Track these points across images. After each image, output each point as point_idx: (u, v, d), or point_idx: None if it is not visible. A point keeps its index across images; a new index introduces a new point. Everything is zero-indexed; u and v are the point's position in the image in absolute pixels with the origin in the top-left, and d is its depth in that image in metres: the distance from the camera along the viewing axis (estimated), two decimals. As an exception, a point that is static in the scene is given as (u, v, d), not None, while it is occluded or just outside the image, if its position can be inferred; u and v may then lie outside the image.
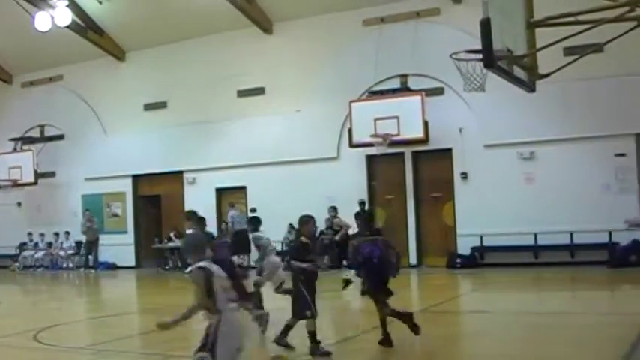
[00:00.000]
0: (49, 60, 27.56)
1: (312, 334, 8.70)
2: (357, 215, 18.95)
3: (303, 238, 9.16)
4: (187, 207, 24.47)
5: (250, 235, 12.18)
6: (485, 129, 20.33)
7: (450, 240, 21.16)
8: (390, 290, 9.03)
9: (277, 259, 11.74)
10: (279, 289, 11.27)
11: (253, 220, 12.43)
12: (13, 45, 27.35)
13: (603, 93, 18.93)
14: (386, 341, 8.89)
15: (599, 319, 10.80)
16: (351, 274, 9.97)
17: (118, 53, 26.69)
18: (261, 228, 11.93)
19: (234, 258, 15.45)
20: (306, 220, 9.22)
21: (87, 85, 27.31)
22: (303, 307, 8.57)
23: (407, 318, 9.10)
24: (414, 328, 9.02)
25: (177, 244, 24.30)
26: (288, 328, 8.94)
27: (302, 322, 8.88)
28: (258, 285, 11.21)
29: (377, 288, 8.98)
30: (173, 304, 15.62)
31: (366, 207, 20.74)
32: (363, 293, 9.29)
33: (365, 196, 21.66)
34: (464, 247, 20.67)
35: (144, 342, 11.29)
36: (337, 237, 21.56)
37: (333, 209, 21.74)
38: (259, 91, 23.85)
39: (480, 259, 20.62)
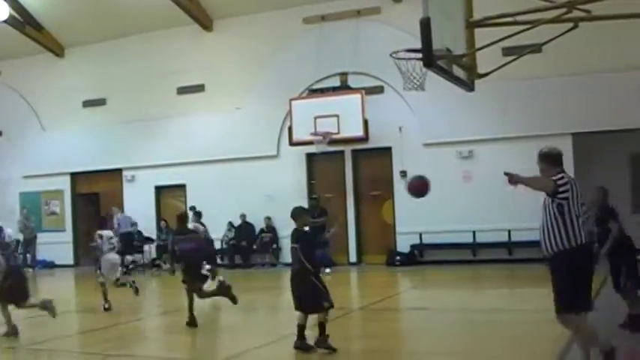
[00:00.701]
0: (-14, 56, 26.19)
1: (302, 328, 8.40)
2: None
3: (305, 228, 8.69)
4: (126, 205, 23.71)
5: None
6: (425, 128, 19.78)
7: (389, 238, 20.53)
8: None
9: (116, 256, 13.62)
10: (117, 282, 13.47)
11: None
12: (-51, 40, 25.92)
13: (541, 93, 18.51)
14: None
15: (536, 316, 10.33)
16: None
17: (56, 49, 25.41)
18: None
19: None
20: (299, 213, 8.67)
21: (25, 81, 25.90)
22: (320, 298, 8.05)
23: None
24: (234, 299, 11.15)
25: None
26: (321, 326, 8.28)
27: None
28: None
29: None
30: (112, 301, 14.79)
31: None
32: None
33: (304, 195, 20.93)
34: (403, 245, 20.12)
35: (83, 341, 10.98)
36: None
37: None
38: (199, 88, 22.85)
39: (419, 256, 20.08)
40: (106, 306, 13.05)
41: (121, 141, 23.79)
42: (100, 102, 24.58)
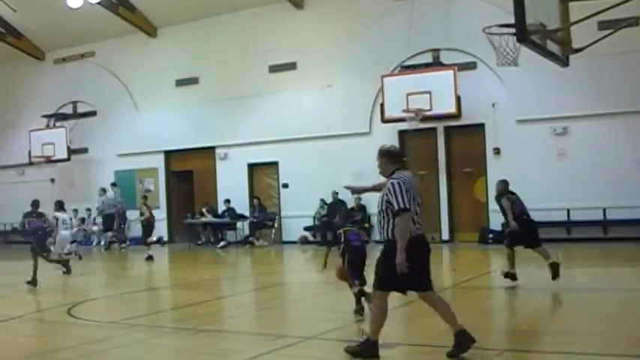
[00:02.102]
0: (81, 36, 28.43)
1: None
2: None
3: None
4: (219, 182, 25.45)
5: None
6: (518, 104, 20.68)
7: (481, 215, 21.60)
8: None
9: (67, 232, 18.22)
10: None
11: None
12: (45, 22, 28.23)
13: (637, 67, 19.15)
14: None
15: (634, 296, 10.97)
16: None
17: (149, 29, 27.37)
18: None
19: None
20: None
21: (118, 61, 28.09)
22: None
23: None
24: None
25: (210, 219, 25.09)
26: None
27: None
28: None
29: None
30: (204, 279, 16.39)
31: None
32: None
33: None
34: (496, 222, 20.91)
35: (176, 317, 11.61)
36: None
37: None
38: (291, 66, 24.38)
39: (511, 234, 20.91)
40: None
41: (213, 119, 25.55)
42: (193, 81, 26.32)
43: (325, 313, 11.20)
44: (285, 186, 24.21)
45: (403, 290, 7.70)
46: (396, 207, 7.32)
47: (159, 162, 27.41)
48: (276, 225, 24.49)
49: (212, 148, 25.95)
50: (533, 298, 11.90)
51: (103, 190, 27.10)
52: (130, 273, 20.09)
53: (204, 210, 25.48)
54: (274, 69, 24.62)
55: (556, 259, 12.12)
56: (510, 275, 12.46)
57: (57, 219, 17.86)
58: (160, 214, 27.13)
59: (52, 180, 30.18)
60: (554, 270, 11.94)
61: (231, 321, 11.31)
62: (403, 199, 7.30)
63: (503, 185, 12.91)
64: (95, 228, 28.53)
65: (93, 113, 28.96)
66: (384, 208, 7.49)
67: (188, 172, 27.15)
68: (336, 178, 21.94)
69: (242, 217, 24.84)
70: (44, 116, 29.37)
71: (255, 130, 24.72)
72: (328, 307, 11.86)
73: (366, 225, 22.47)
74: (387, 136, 22.18)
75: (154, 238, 22.95)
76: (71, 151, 28.46)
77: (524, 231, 12.46)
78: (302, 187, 22.65)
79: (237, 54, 25.18)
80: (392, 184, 7.44)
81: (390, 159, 7.79)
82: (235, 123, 25.11)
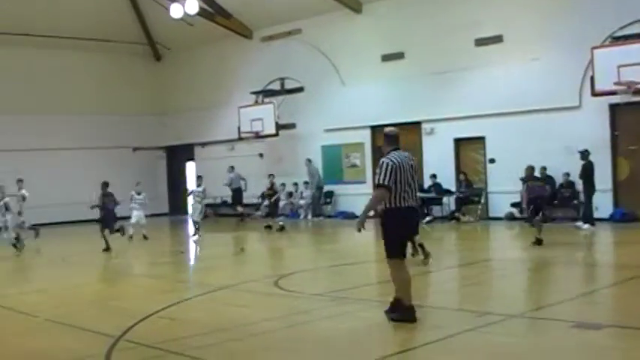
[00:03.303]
0: (287, 14, 31.22)
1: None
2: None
3: None
4: (425, 157, 26.98)
5: None
6: None
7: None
8: None
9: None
10: None
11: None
12: (252, 1, 31.24)
13: None
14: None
15: None
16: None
17: (354, 5, 29.54)
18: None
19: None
20: None
21: (324, 37, 30.41)
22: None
23: None
24: None
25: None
26: None
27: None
28: None
29: None
30: (410, 254, 17.75)
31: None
32: None
33: (608, 146, 22.73)
34: None
35: (381, 290, 12.09)
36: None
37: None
38: (497, 39, 25.50)
39: None
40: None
41: (419, 94, 27.36)
42: (398, 56, 28.13)
43: (529, 292, 12.10)
44: (492, 161, 25.43)
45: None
46: (376, 182, 9.39)
47: (365, 137, 29.51)
48: (482, 200, 25.82)
49: (418, 123, 27.63)
50: None
51: (309, 161, 29.97)
52: (335, 246, 21.93)
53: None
54: (480, 42, 25.82)
55: None
56: None
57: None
58: (367, 189, 29.10)
59: (261, 155, 33.05)
60: None
61: (434, 296, 12.12)
62: (384, 177, 9.26)
63: None
64: (302, 202, 30.95)
65: (300, 89, 31.48)
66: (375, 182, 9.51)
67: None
68: (544, 154, 22.83)
69: (448, 192, 26.43)
70: (253, 93, 32.29)
71: (461, 104, 26.15)
72: (534, 285, 12.79)
73: (574, 202, 23.25)
74: (598, 110, 23.05)
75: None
76: (279, 127, 31.14)
77: None
78: (509, 162, 23.71)
79: (442, 28, 26.64)
80: (381, 163, 9.52)
81: (387, 141, 9.98)
82: (441, 98, 26.68)
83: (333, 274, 15.08)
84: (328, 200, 30.49)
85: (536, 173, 24.15)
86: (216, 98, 34.91)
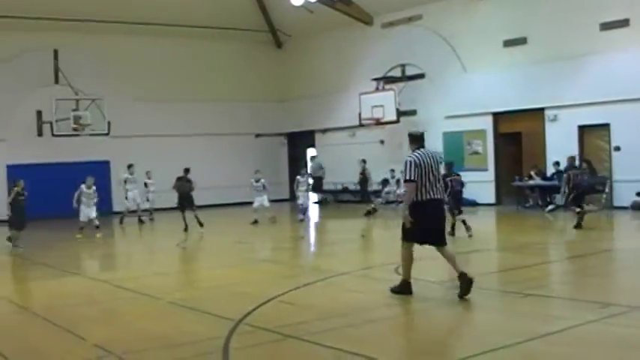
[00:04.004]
0: (408, 0, 31.74)
1: None
2: None
3: None
4: (548, 144, 27.05)
5: None
6: None
7: None
8: None
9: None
10: None
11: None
12: (374, -14, 31.67)
13: None
14: None
15: None
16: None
17: (474, -11, 29.63)
18: None
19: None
20: None
21: (445, 23, 30.90)
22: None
23: None
24: None
25: (538, 182, 26.93)
26: None
27: None
28: None
29: None
30: (531, 243, 18.06)
31: None
32: None
33: None
34: None
35: (502, 280, 12.71)
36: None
37: None
38: (623, 23, 25.30)
39: None
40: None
41: (542, 80, 27.52)
42: (521, 41, 28.34)
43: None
44: (617, 149, 25.35)
45: (420, 242, 11.00)
46: (403, 178, 10.88)
47: (487, 124, 29.87)
48: (606, 189, 25.76)
49: (541, 110, 27.76)
50: None
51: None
52: (458, 234, 22.15)
53: (532, 172, 27.39)
54: (605, 26, 25.68)
55: None
56: None
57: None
58: (488, 177, 29.51)
59: (382, 142, 33.77)
60: None
61: (556, 287, 12.39)
62: (410, 173, 10.60)
63: None
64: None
65: (421, 76, 32.04)
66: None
67: (516, 134, 29.17)
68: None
69: (571, 179, 26.36)
70: (374, 79, 32.97)
71: (585, 90, 26.12)
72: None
73: None
74: None
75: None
76: (400, 113, 31.69)
77: None
78: (635, 149, 23.63)
79: (566, 12, 26.64)
80: (405, 161, 10.81)
81: (411, 140, 11.16)
82: (565, 83, 26.74)
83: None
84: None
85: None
86: (336, 85, 35.86)
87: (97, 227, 23.75)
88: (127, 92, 34.49)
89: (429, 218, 10.78)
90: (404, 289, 11.00)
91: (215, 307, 10.88)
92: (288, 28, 38.78)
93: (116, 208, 29.18)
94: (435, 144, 30.86)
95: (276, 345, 8.71)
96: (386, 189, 32.83)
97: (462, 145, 30.73)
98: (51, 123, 30.99)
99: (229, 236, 23.10)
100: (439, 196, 10.83)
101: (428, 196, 10.63)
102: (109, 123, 31.52)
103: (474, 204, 29.45)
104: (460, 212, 19.62)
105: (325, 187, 35.52)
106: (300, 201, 26.88)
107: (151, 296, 12.28)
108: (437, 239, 10.95)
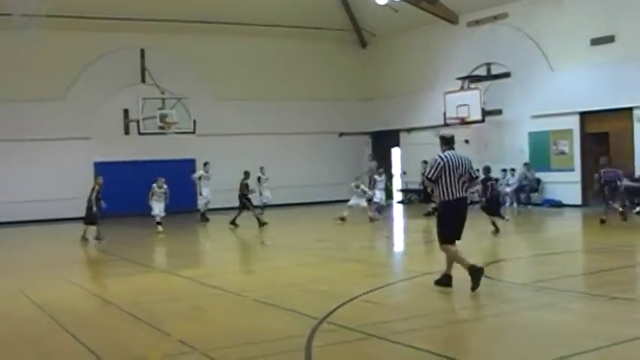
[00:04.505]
0: (493, -1, 31.62)
1: None
2: None
3: None
4: (637, 145, 26.88)
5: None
6: None
7: None
8: None
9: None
10: None
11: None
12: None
13: None
14: None
15: None
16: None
17: (561, -13, 29.63)
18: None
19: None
20: None
21: (531, 21, 30.94)
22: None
23: None
24: None
25: (626, 183, 26.77)
26: None
27: None
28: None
29: None
30: (618, 245, 17.97)
31: None
32: None
33: None
34: None
35: (587, 282, 12.73)
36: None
37: None
38: None
39: None
40: None
41: (631, 79, 27.32)
42: (609, 39, 28.16)
43: None
44: None
45: (453, 239, 11.99)
46: (425, 175, 12.12)
47: (574, 123, 29.74)
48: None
49: (629, 109, 27.56)
50: None
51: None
52: (540, 235, 22.54)
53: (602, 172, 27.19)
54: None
55: None
56: None
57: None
58: (574, 177, 29.46)
59: (467, 141, 33.75)
60: None
61: None
62: (430, 172, 11.78)
63: None
64: (508, 189, 31.54)
65: (507, 75, 32.09)
66: None
67: (603, 134, 29.01)
68: None
69: (660, 181, 26.26)
70: (458, 78, 33.19)
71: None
72: None
73: None
74: None
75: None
76: (485, 113, 31.83)
77: None
78: None
79: (655, 10, 26.42)
80: (432, 159, 11.94)
81: (442, 142, 12.08)
82: (654, 83, 26.49)
83: (539, 263, 15.57)
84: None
85: None
86: (421, 84, 36.17)
87: (159, 223, 25.27)
88: (213, 91, 35.62)
89: (454, 216, 11.87)
90: (444, 281, 12.08)
91: (298, 305, 11.15)
92: (373, 27, 39.24)
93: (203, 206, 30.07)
94: (520, 144, 31.13)
95: (359, 344, 8.89)
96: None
97: (548, 145, 30.69)
98: (137, 121, 32.22)
99: (311, 235, 23.70)
100: (464, 195, 11.81)
101: (453, 197, 11.67)
102: (194, 121, 32.55)
103: (559, 205, 29.54)
104: (496, 214, 21.35)
105: (410, 187, 35.95)
106: (376, 199, 27.71)
107: (235, 293, 12.69)
108: (458, 236, 12.08)
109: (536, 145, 30.64)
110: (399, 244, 22.49)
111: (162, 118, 31.84)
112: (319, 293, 12.56)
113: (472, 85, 32.72)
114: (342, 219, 26.02)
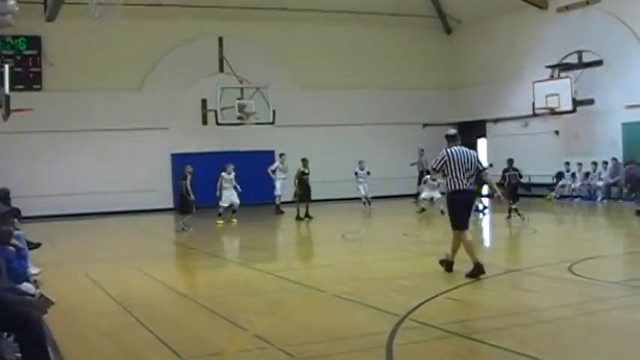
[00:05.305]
0: (585, -17, 30.93)
1: None
2: None
3: None
4: None
5: None
6: None
7: None
8: None
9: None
10: None
11: None
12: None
13: None
14: None
15: None
16: None
17: (658, -31, 28.78)
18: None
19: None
20: None
21: (625, 6, 30.13)
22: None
23: None
24: None
25: None
26: None
27: None
28: None
29: None
30: None
31: None
32: None
33: None
34: None
35: None
36: None
37: None
38: None
39: None
40: None
41: None
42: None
43: None
44: None
45: (463, 227, 13.26)
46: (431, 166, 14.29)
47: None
48: None
49: None
50: None
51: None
52: (632, 231, 21.62)
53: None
54: None
55: None
56: None
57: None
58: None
59: (557, 132, 33.39)
60: None
61: None
62: (435, 163, 13.49)
63: None
64: (600, 183, 30.87)
65: (599, 62, 31.36)
66: None
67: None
68: None
69: None
70: (548, 67, 32.64)
71: None
72: None
73: None
74: None
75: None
76: (576, 103, 31.17)
77: None
78: None
79: None
80: (440, 153, 13.39)
81: (448, 139, 13.53)
82: None
83: (632, 261, 15.20)
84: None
85: None
86: (508, 72, 35.56)
87: (234, 212, 25.77)
88: (293, 80, 35.68)
89: (458, 205, 13.25)
90: (477, 271, 12.80)
91: (379, 301, 11.11)
92: (458, 14, 38.79)
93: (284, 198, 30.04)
94: (613, 135, 30.37)
95: (441, 342, 8.80)
96: (560, 182, 32.48)
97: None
98: (215, 112, 32.26)
99: (396, 229, 23.38)
100: (469, 187, 13.17)
101: (458, 187, 13.07)
102: (273, 112, 32.50)
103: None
104: (514, 202, 23.90)
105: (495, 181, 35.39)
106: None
107: (314, 288, 12.74)
108: (466, 224, 13.37)
109: (631, 137, 29.82)
110: (483, 239, 22.13)
111: (241, 108, 31.91)
112: (402, 289, 12.48)
113: (562, 74, 32.07)
114: (423, 209, 26.48)
